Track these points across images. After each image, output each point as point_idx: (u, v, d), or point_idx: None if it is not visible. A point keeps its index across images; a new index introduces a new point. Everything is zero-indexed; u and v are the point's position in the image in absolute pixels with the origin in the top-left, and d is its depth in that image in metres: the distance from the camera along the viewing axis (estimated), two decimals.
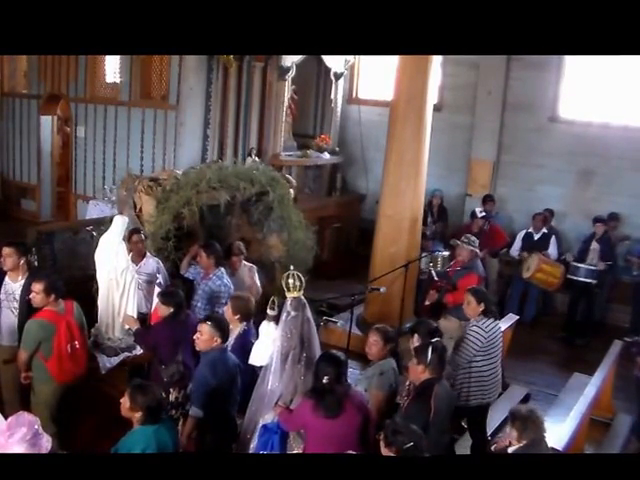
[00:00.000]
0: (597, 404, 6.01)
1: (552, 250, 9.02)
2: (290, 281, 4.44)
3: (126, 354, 5.65)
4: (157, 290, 5.87)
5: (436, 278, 7.13)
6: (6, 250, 5.32)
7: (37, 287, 4.80)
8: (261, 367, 4.61)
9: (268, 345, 4.58)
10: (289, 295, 4.48)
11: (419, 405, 4.19)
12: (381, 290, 7.02)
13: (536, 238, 9.17)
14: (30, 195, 12.63)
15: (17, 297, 5.28)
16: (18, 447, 3.00)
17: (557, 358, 8.25)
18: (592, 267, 8.56)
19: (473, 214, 9.36)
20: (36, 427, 3.08)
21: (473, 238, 6.90)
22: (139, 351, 5.60)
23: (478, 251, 6.93)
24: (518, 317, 7.64)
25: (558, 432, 4.81)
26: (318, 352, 4.47)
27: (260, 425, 4.42)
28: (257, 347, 4.72)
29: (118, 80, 10.95)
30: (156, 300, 5.48)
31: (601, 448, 5.79)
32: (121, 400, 3.80)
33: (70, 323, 4.87)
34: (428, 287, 7.43)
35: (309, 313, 4.52)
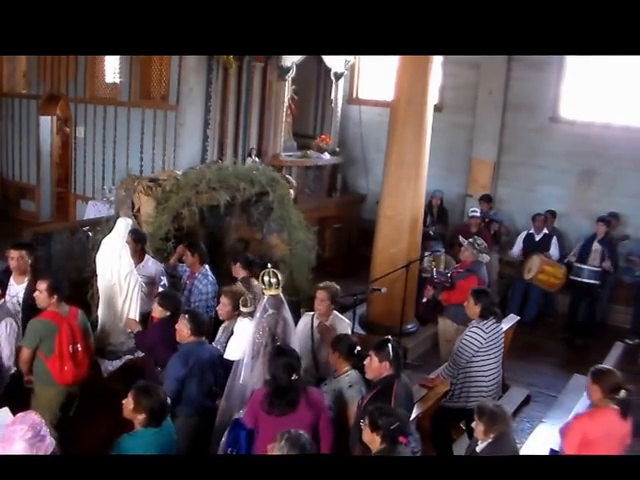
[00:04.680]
0: None
1: (553, 251, 9.00)
2: (266, 279, 4.48)
3: (128, 357, 5.62)
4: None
5: (435, 276, 7.13)
6: (16, 253, 5.31)
7: (41, 286, 4.78)
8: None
9: (242, 340, 4.62)
10: (267, 293, 4.51)
11: (379, 401, 4.15)
12: (382, 290, 7.02)
13: (537, 239, 9.16)
14: (29, 195, 12.62)
15: (20, 300, 5.27)
16: (18, 445, 2.99)
17: (557, 359, 8.24)
18: (596, 268, 8.54)
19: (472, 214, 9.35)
20: (39, 428, 3.06)
21: (480, 241, 6.83)
22: (141, 354, 5.58)
23: (484, 256, 6.82)
24: (519, 318, 7.63)
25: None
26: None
27: (233, 419, 4.42)
28: (232, 342, 4.79)
29: (118, 80, 10.93)
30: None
31: None
32: (123, 402, 3.76)
33: (72, 326, 4.80)
34: (427, 284, 7.43)
35: (286, 312, 4.55)
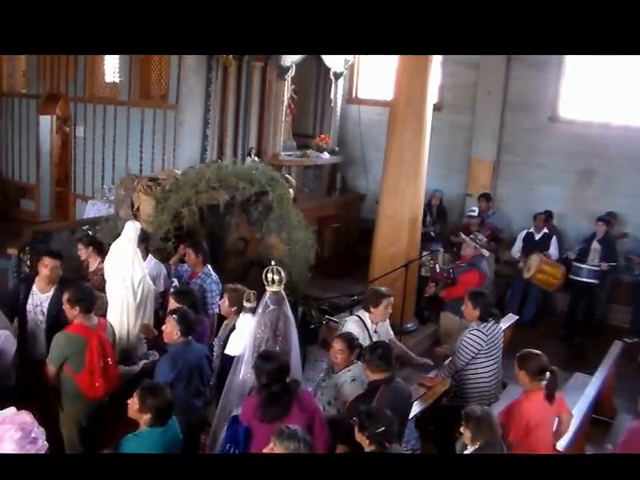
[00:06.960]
0: (598, 404, 6.00)
1: (553, 251, 9.02)
2: (269, 275, 4.51)
3: (144, 361, 5.58)
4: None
5: (437, 270, 7.16)
6: (51, 262, 5.09)
7: (64, 296, 4.60)
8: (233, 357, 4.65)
9: (243, 336, 4.64)
10: (269, 289, 4.54)
11: (362, 403, 4.14)
12: None
13: (537, 238, 9.17)
14: (29, 195, 12.63)
15: (44, 310, 5.06)
16: (6, 444, 2.90)
17: (557, 358, 8.16)
18: (594, 267, 8.56)
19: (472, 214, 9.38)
20: (29, 429, 2.97)
21: (481, 236, 6.93)
22: (157, 357, 5.52)
23: (484, 251, 6.90)
24: (517, 317, 7.64)
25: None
26: (295, 348, 4.52)
27: (232, 415, 4.41)
28: (233, 338, 4.80)
29: (117, 80, 10.95)
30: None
31: (602, 448, 5.79)
32: (129, 402, 3.74)
33: (102, 339, 4.58)
34: (428, 281, 7.47)
35: (287, 309, 4.57)
